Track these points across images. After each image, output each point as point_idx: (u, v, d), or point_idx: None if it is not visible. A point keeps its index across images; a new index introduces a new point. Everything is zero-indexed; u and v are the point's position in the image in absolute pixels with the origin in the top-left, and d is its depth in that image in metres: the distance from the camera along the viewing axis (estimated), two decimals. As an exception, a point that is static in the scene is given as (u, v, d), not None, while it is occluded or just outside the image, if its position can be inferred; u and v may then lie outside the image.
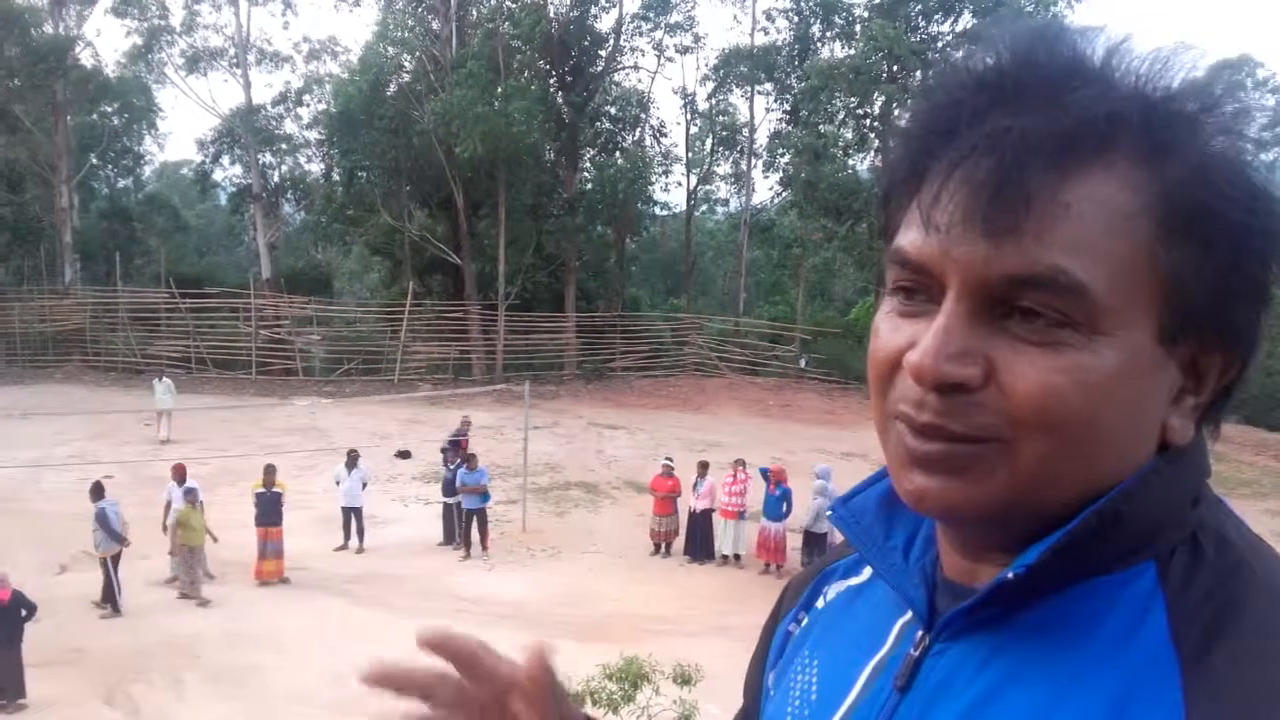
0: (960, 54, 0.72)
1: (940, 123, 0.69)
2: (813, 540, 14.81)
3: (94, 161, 39.24)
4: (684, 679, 8.19)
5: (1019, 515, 0.69)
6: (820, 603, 0.95)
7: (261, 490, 14.03)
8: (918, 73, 30.10)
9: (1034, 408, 0.65)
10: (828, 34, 33.48)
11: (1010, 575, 0.69)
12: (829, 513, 0.90)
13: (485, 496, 15.71)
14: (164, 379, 22.52)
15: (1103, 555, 0.69)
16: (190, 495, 13.44)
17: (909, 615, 0.81)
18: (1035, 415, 0.65)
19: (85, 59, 36.09)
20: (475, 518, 15.46)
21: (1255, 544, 0.72)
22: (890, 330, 0.72)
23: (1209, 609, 0.66)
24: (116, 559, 12.58)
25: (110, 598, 12.44)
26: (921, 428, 0.69)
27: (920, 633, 0.78)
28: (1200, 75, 0.68)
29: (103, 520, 12.56)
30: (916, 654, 0.78)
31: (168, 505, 13.87)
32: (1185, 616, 0.66)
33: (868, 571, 0.91)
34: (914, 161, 0.71)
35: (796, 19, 33.79)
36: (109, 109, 39.87)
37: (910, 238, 0.70)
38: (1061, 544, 0.67)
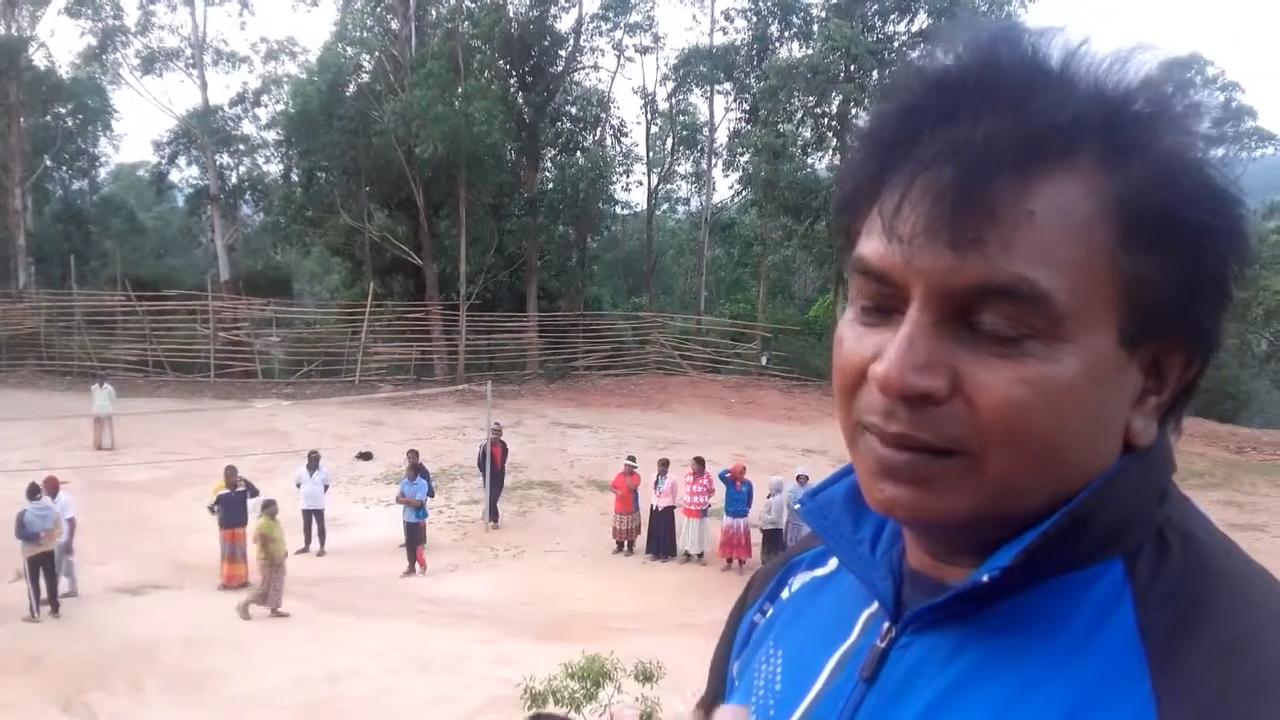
0: (919, 55, 0.72)
1: (901, 128, 0.68)
2: (770, 537, 14.97)
3: (48, 163, 38.67)
4: (646, 676, 8.21)
5: (985, 523, 0.70)
6: (785, 593, 0.95)
7: (225, 491, 13.84)
8: (874, 72, 30.31)
9: (999, 420, 0.65)
10: (786, 34, 33.70)
11: (985, 578, 0.69)
12: (797, 505, 0.90)
13: (421, 512, 15.03)
14: (104, 385, 21.85)
15: (1072, 554, 0.70)
16: (269, 507, 13.13)
17: (875, 607, 0.82)
18: (1000, 428, 0.66)
19: (39, 60, 35.69)
20: (408, 533, 14.83)
21: (1221, 541, 0.72)
22: (854, 340, 0.72)
23: (1176, 605, 0.67)
24: (38, 562, 12.16)
25: (30, 603, 12.08)
26: (891, 438, 0.69)
27: (886, 624, 0.79)
28: (1158, 76, 0.68)
29: (17, 523, 12.24)
30: (883, 645, 0.78)
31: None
32: (1153, 612, 0.67)
33: (834, 563, 0.92)
34: (875, 167, 0.70)
35: (755, 19, 33.97)
36: (63, 110, 39.24)
37: (872, 246, 0.70)
38: (1034, 546, 0.68)
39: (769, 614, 0.96)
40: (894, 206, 0.67)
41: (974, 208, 0.64)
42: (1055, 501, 0.69)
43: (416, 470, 15.41)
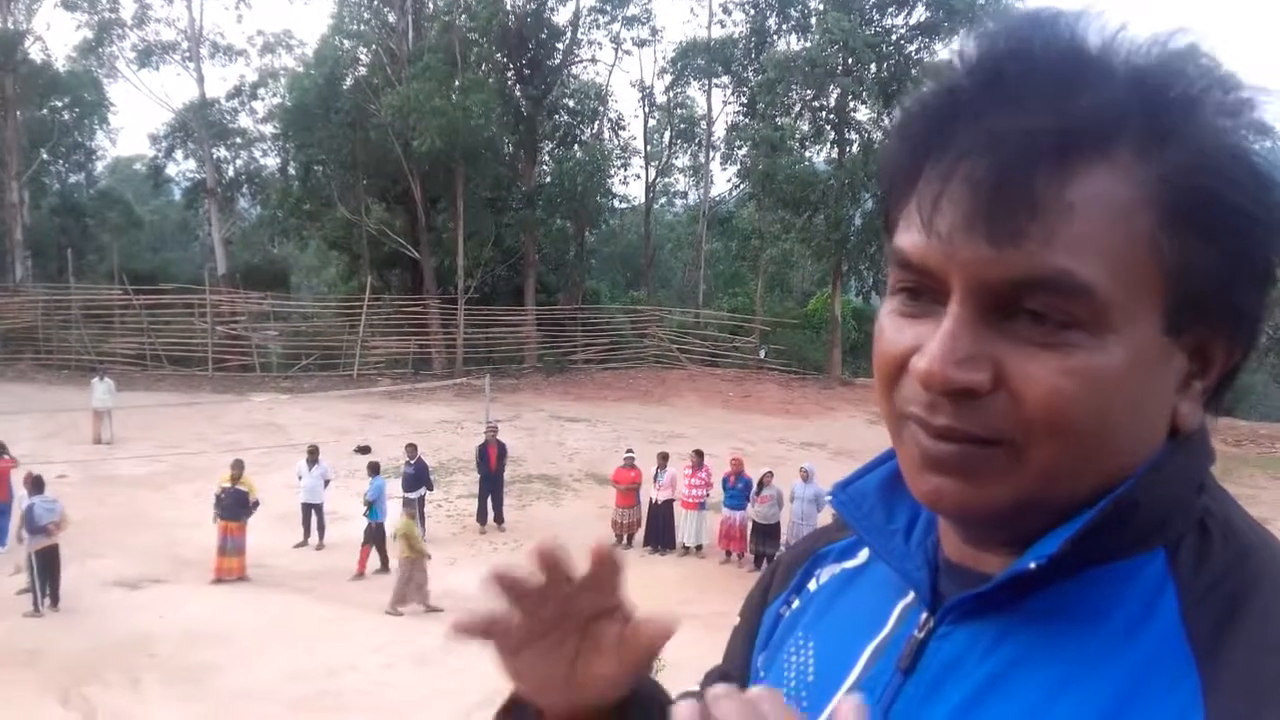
0: (955, 44, 0.71)
1: (938, 118, 0.68)
2: (760, 530, 14.97)
3: (45, 157, 38.58)
4: (645, 669, 8.21)
5: (1030, 513, 0.70)
6: (813, 585, 0.95)
7: (227, 485, 13.77)
8: (872, 65, 30.27)
9: (1045, 412, 0.65)
10: (784, 27, 33.62)
11: (1032, 565, 0.69)
12: (829, 497, 0.90)
13: (372, 512, 14.32)
14: (105, 378, 21.59)
15: (1117, 542, 0.69)
16: (409, 507, 13.15)
17: (910, 598, 0.81)
18: (1047, 420, 0.65)
19: (35, 53, 35.65)
20: (366, 534, 14.16)
21: (1261, 531, 0.72)
22: (895, 331, 0.72)
23: (1220, 596, 0.67)
24: (45, 555, 12.11)
25: (35, 597, 12.01)
26: (936, 431, 0.69)
27: (924, 615, 0.78)
28: (1199, 61, 0.67)
29: (25, 516, 12.26)
30: (921, 636, 0.77)
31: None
32: (1197, 604, 0.67)
33: (863, 555, 0.91)
34: (912, 157, 0.70)
35: (753, 12, 33.90)
36: (59, 104, 39.18)
37: (911, 239, 0.69)
38: (1079, 534, 0.67)
39: (795, 606, 0.95)
40: (932, 200, 0.67)
41: (1012, 201, 0.63)
42: (1101, 488, 0.68)
43: (374, 469, 15.18)
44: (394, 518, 13.61)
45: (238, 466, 14.02)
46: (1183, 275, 0.66)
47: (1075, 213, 0.63)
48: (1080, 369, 0.64)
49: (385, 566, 14.26)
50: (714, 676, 1.04)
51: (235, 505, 13.62)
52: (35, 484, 12.58)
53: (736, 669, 1.00)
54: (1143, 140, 0.65)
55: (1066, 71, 0.65)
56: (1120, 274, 0.64)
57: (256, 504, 13.97)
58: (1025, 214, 0.63)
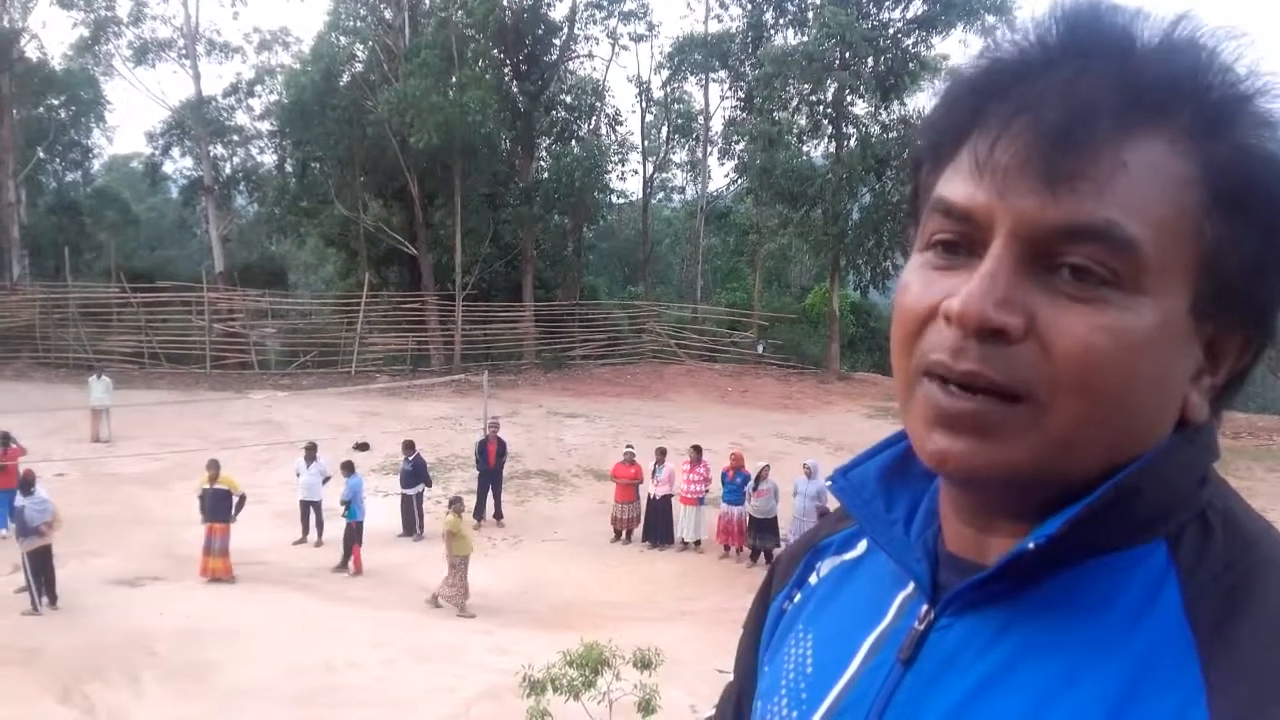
0: (1011, 22, 0.73)
1: (1001, 74, 0.70)
2: (758, 524, 14.98)
3: (41, 155, 38.50)
4: (644, 663, 8.21)
5: (1039, 482, 0.69)
6: (813, 579, 0.95)
7: (206, 486, 13.71)
8: (869, 59, 30.20)
9: (1074, 365, 0.65)
10: (781, 21, 33.53)
11: (1031, 545, 0.68)
12: (829, 483, 0.89)
13: (350, 512, 14.34)
14: (102, 376, 21.48)
15: (1117, 530, 0.69)
16: (456, 505, 13.24)
17: (910, 589, 0.81)
18: (1074, 373, 0.65)
19: (31, 51, 35.54)
20: (345, 535, 14.34)
21: (1261, 523, 0.73)
22: (923, 284, 0.72)
23: (1222, 587, 0.67)
24: (37, 556, 12.08)
25: (32, 597, 12.01)
26: (960, 375, 0.68)
27: (925, 606, 0.78)
28: (1252, 57, 0.69)
29: (16, 518, 12.24)
30: (921, 628, 0.77)
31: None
32: (1199, 594, 0.67)
33: (862, 546, 0.91)
34: (970, 109, 0.70)
35: (750, 6, 33.81)
36: (56, 102, 39.11)
37: (958, 185, 0.70)
38: (1081, 516, 0.67)
39: (797, 600, 0.95)
40: (990, 141, 0.68)
41: (1074, 148, 0.65)
42: (1110, 468, 0.68)
43: (348, 469, 15.06)
44: (390, 514, 13.57)
45: (213, 466, 13.86)
46: (1217, 258, 0.67)
47: (1129, 171, 0.65)
48: (1113, 326, 0.65)
49: (348, 566, 14.31)
50: (729, 698, 1.05)
51: (217, 506, 13.55)
52: (24, 485, 12.53)
53: (746, 674, 1.00)
54: (1197, 120, 0.67)
55: (1126, 49, 0.68)
56: (1162, 240, 0.65)
57: (243, 498, 13.90)
58: (1082, 161, 0.65)
